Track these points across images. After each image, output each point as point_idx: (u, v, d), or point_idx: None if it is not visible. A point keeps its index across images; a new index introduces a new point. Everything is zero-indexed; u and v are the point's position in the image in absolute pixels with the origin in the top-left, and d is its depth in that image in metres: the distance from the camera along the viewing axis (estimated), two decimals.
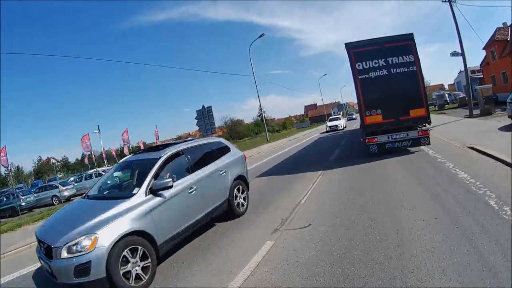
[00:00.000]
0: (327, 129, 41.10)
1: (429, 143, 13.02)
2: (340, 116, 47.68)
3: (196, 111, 26.33)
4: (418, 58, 12.77)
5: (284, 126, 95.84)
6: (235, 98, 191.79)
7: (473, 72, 54.16)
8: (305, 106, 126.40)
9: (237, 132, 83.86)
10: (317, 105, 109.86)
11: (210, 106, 25.80)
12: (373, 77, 12.87)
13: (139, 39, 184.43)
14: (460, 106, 38.22)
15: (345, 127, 42.34)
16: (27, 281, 6.88)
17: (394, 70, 12.75)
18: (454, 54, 24.50)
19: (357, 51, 13.03)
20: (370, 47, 13.00)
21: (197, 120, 26.23)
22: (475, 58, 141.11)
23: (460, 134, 15.58)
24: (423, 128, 13.02)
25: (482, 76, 44.87)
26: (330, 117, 50.20)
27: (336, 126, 40.09)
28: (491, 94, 24.38)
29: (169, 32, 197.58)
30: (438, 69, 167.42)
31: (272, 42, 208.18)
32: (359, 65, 12.94)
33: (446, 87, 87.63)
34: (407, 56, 12.70)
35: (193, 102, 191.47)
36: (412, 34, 12.93)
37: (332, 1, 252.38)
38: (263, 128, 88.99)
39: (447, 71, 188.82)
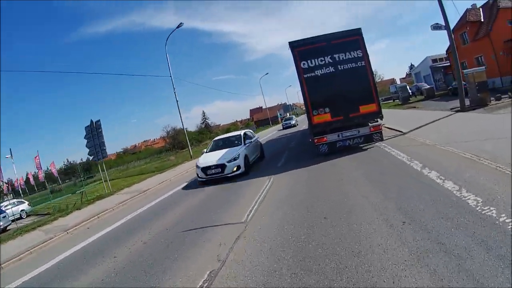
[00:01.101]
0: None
1: (382, 139, 13.00)
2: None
3: (85, 127, 20.29)
4: (367, 53, 12.67)
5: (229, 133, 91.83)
6: (181, 106, 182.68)
7: (434, 61, 55.45)
8: (250, 110, 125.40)
9: (179, 141, 79.47)
10: (263, 108, 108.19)
11: (99, 120, 19.89)
12: (319, 75, 12.70)
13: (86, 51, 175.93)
14: (428, 98, 35.54)
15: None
16: None
17: (342, 66, 12.63)
18: (437, 27, 19.63)
19: (302, 50, 12.86)
20: (316, 45, 12.82)
21: (86, 141, 20.30)
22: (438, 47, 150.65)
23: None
24: (375, 123, 12.91)
25: (449, 63, 41.85)
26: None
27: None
28: (485, 79, 20.06)
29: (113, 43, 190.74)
30: (388, 64, 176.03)
31: (217, 48, 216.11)
32: (304, 64, 12.75)
33: (398, 81, 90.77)
34: (355, 52, 12.59)
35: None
36: (359, 29, 12.82)
37: (275, 2, 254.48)
38: (207, 136, 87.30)
39: (397, 66, 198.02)
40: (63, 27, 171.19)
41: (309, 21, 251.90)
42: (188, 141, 37.20)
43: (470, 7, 36.75)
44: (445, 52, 43.15)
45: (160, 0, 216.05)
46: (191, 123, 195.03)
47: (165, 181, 19.27)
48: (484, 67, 22.94)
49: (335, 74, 12.57)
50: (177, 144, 79.29)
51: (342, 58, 12.57)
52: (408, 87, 45.46)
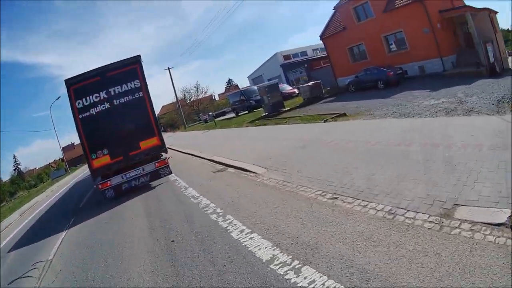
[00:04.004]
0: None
1: (170, 173, 12.63)
2: None
3: None
4: (145, 82, 11.98)
5: (40, 179, 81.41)
6: None
7: (287, 57, 52.52)
8: (63, 148, 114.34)
9: None
10: (75, 143, 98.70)
11: None
12: (94, 113, 11.55)
13: None
14: (313, 100, 25.56)
15: None
16: None
17: (118, 101, 11.68)
18: None
19: (77, 87, 11.55)
20: (91, 80, 11.59)
21: None
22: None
23: None
24: (161, 158, 12.39)
25: (325, 54, 35.13)
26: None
27: None
28: None
29: None
30: (203, 82, 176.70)
31: (36, 82, 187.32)
32: (79, 103, 11.47)
33: (217, 97, 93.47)
34: (132, 82, 11.80)
35: None
36: (138, 56, 12.03)
37: (94, 32, 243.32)
38: (20, 185, 76.84)
39: (211, 83, 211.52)
40: None
41: (123, 48, 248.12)
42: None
43: None
44: (319, 37, 32.70)
45: None
46: (4, 170, 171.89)
47: None
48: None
49: (111, 110, 11.65)
50: None
51: (118, 91, 11.71)
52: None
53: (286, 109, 25.14)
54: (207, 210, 7.78)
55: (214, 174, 11.70)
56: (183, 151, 20.69)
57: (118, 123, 11.74)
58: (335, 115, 15.84)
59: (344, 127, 13.15)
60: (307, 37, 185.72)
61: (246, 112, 36.14)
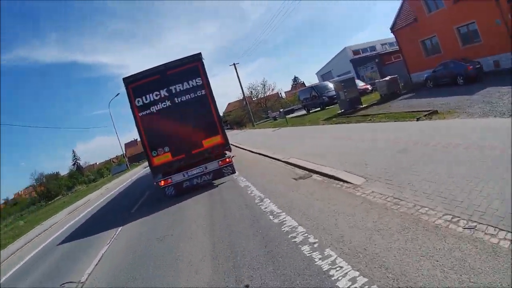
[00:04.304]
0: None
1: (233, 172, 12.50)
2: None
3: None
4: (207, 80, 11.97)
5: (101, 174, 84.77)
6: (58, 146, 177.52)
7: (356, 52, 50.07)
8: (125, 144, 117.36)
9: (49, 190, 71.47)
10: (138, 140, 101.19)
11: None
12: (155, 111, 11.82)
13: None
14: (388, 98, 22.87)
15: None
16: None
17: (179, 99, 11.86)
18: None
19: (136, 85, 11.82)
20: (150, 78, 11.82)
21: None
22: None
23: None
24: (225, 156, 12.33)
25: (397, 47, 32.63)
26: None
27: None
28: None
29: None
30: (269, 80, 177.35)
31: (97, 81, 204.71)
32: (138, 101, 11.78)
33: (283, 95, 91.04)
34: (194, 80, 11.89)
35: None
36: (199, 54, 12.04)
37: (153, 33, 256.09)
38: (79, 180, 79.49)
39: (279, 81, 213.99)
40: None
41: (184, 47, 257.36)
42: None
43: None
44: (390, 30, 30.55)
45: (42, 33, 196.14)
46: (64, 165, 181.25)
47: None
48: None
49: (173, 108, 11.80)
50: (49, 193, 71.25)
51: (180, 89, 11.85)
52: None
53: (364, 106, 22.75)
54: (294, 238, 5.79)
55: (295, 181, 9.67)
56: (253, 150, 19.07)
57: (180, 121, 11.85)
58: (427, 113, 13.67)
59: (444, 127, 10.78)
60: (368, 35, 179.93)
61: (318, 109, 34.29)
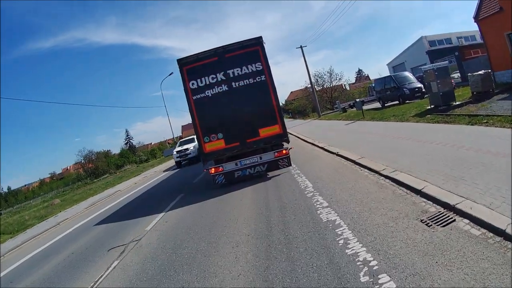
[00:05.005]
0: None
1: (289, 164, 11.74)
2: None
3: None
4: (268, 66, 11.32)
5: (153, 154, 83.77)
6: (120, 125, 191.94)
7: (432, 43, 45.95)
8: (182, 126, 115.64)
9: (97, 168, 72.22)
10: None
11: None
12: (210, 95, 11.32)
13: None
14: (490, 94, 18.22)
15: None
16: None
17: (237, 83, 11.27)
18: None
19: (191, 67, 11.36)
20: (207, 60, 11.32)
21: None
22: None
23: None
24: (282, 148, 11.69)
25: (476, 42, 30.09)
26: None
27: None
28: None
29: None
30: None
31: (156, 63, 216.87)
32: (193, 84, 11.33)
33: (347, 87, 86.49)
34: (254, 65, 11.24)
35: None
36: (259, 38, 11.42)
37: (214, 19, 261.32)
38: (130, 159, 79.13)
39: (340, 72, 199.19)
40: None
41: (246, 34, 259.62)
42: None
43: None
44: (473, 19, 24.73)
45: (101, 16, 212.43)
46: (117, 144, 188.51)
47: None
48: None
49: (229, 93, 11.29)
50: (97, 171, 72.01)
51: (238, 73, 11.28)
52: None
53: (458, 103, 17.64)
54: None
55: (430, 230, 4.98)
56: (327, 148, 14.75)
57: (236, 107, 11.34)
58: None
59: None
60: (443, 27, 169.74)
61: (397, 102, 28.89)
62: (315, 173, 10.62)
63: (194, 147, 26.65)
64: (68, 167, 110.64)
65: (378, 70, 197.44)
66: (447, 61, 19.61)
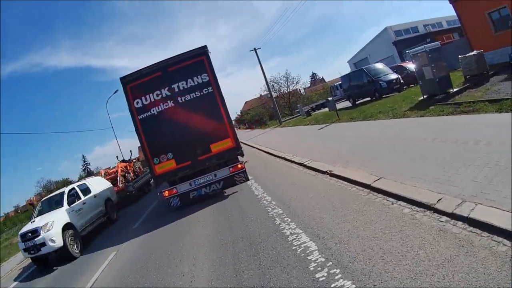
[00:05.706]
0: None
1: (247, 179, 11.49)
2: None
3: None
4: (215, 76, 10.94)
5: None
6: (64, 156, 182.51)
7: (398, 33, 46.26)
8: (138, 147, 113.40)
9: None
10: None
11: None
12: (156, 113, 10.87)
13: None
14: (485, 76, 17.31)
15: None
16: None
17: (183, 98, 10.86)
18: None
19: (135, 85, 10.91)
20: (150, 76, 10.89)
21: None
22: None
23: None
24: (236, 162, 11.40)
25: (443, 28, 30.74)
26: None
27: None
28: None
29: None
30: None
31: (111, 84, 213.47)
32: (137, 102, 10.88)
33: (302, 91, 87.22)
34: (199, 77, 10.86)
35: None
36: (204, 47, 11.05)
37: (165, 34, 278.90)
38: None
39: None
40: None
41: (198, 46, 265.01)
42: None
43: None
44: (448, 1, 24.26)
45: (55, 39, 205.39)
46: (75, 170, 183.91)
47: None
48: None
49: (176, 109, 10.80)
50: None
51: (183, 87, 10.81)
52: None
53: (456, 89, 15.56)
54: None
55: None
56: (336, 173, 9.37)
57: (184, 123, 10.93)
58: None
59: None
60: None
61: (369, 99, 26.38)
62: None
63: (59, 220, 11.72)
64: (31, 198, 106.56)
65: (337, 69, 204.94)
66: (438, 43, 17.83)
